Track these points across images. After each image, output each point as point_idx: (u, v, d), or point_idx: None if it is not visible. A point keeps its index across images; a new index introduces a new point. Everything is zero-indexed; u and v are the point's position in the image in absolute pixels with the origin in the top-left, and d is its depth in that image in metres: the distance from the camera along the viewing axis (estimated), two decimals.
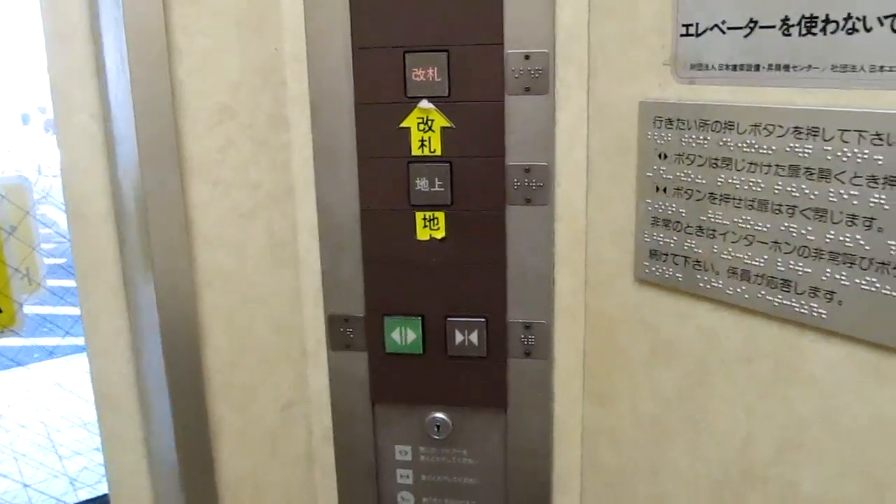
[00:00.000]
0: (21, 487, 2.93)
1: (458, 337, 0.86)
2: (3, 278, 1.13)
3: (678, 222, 0.72)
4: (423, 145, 0.82)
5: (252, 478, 0.94)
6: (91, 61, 0.77)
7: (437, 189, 0.83)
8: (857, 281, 0.61)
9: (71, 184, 0.80)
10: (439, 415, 0.90)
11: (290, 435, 0.94)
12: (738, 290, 0.69)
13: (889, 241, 0.58)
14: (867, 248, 0.60)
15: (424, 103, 0.81)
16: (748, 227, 0.67)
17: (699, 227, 0.71)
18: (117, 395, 0.86)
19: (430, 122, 0.81)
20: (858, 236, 0.60)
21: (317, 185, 0.85)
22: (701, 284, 0.72)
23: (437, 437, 0.91)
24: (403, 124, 0.82)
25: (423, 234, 0.84)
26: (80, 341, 0.92)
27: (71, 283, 0.85)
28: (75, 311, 0.85)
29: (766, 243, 0.66)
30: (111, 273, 0.82)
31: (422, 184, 0.83)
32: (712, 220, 0.70)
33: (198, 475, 0.90)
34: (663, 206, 0.73)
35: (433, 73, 0.80)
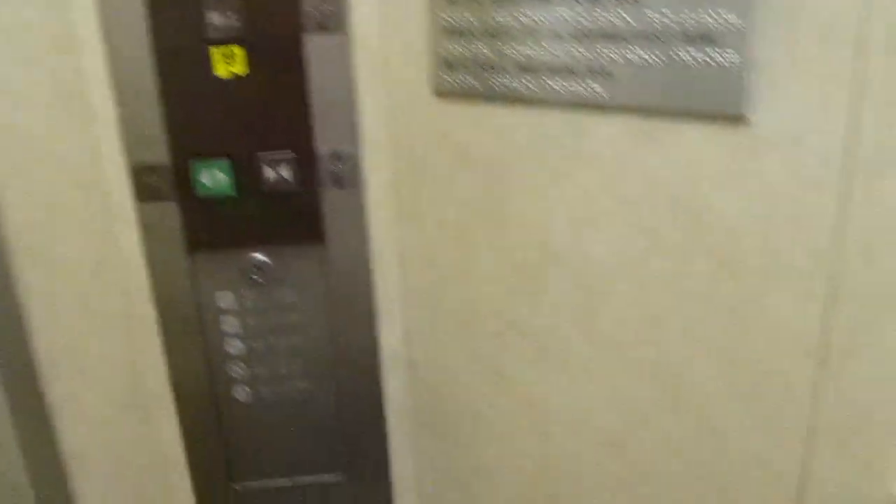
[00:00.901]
0: None
1: (269, 173, 0.87)
2: None
3: (469, 31, 0.77)
4: None
5: (68, 347, 0.92)
6: None
7: (231, 22, 0.82)
8: (626, 55, 0.68)
9: None
10: (258, 256, 0.92)
11: (104, 297, 0.91)
12: (528, 84, 0.75)
13: (647, 11, 0.66)
14: (632, 23, 0.67)
15: None
16: (530, 22, 0.73)
17: (487, 30, 0.76)
18: None
19: None
20: (623, 13, 0.67)
21: (103, 28, 0.82)
22: (495, 87, 0.77)
23: (258, 279, 0.92)
24: None
25: (222, 71, 0.84)
26: None
27: None
28: None
29: (548, 35, 0.72)
30: None
31: (215, 17, 0.82)
32: (499, 21, 0.75)
33: (9, 351, 0.86)
34: (454, 18, 0.77)
35: None
